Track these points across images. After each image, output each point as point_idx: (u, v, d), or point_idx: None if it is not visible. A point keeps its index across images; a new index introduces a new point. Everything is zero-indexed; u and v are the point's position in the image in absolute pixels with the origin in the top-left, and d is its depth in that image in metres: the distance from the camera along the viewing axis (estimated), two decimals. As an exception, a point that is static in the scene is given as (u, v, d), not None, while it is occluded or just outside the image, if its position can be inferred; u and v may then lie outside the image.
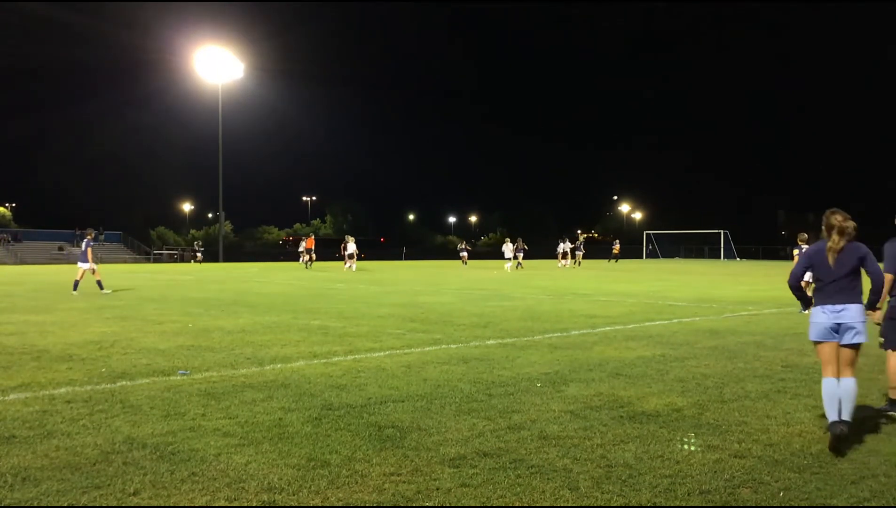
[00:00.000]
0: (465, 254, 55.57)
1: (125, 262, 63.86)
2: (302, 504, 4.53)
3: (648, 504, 4.54)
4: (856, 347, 5.89)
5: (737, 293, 23.21)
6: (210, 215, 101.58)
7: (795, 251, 17.66)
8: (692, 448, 5.72)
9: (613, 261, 59.24)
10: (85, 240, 23.75)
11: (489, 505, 4.53)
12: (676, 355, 10.30)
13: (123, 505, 4.50)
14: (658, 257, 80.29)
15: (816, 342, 6.02)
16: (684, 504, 4.55)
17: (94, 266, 23.11)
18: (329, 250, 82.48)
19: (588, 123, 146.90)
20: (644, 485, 4.86)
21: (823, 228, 6.04)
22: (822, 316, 5.93)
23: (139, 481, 4.90)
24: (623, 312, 16.70)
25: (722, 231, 78.10)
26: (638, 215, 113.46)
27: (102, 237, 75.93)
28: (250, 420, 6.52)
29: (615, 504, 4.53)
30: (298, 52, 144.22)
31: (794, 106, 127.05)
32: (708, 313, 16.55)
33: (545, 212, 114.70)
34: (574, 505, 4.53)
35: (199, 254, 63.51)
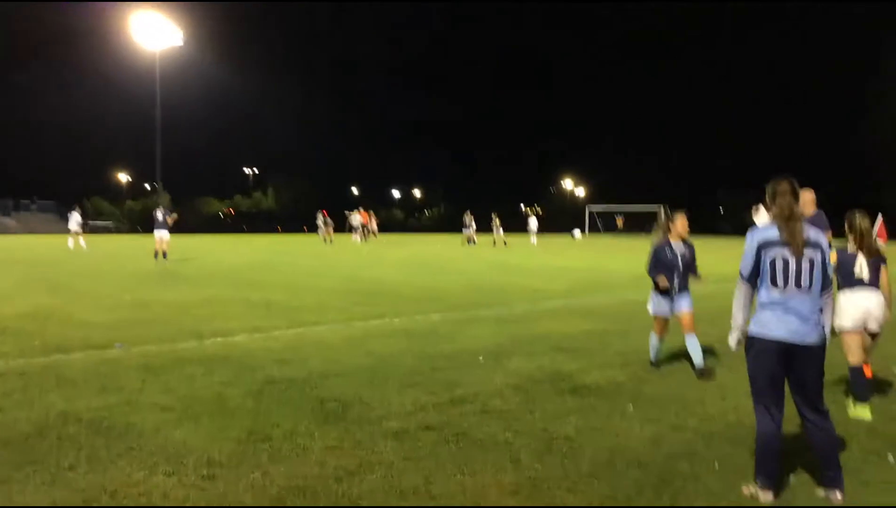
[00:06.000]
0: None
1: (60, 233, 62.18)
2: (242, 479, 4.49)
3: (588, 477, 4.60)
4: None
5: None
6: (147, 186, 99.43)
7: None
8: (631, 421, 5.82)
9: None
10: (161, 210, 24.71)
11: (431, 478, 4.54)
12: (617, 329, 10.47)
13: (59, 480, 4.40)
14: (599, 232, 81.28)
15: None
16: (622, 477, 4.63)
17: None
18: (269, 224, 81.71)
19: (533, 100, 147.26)
20: (584, 458, 4.93)
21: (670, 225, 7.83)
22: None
23: (74, 456, 4.80)
24: (566, 286, 16.88)
25: (662, 207, 79.28)
26: (581, 191, 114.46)
27: (35, 207, 73.87)
28: (189, 395, 6.43)
29: (555, 477, 4.59)
30: (239, 19, 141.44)
31: (736, 82, 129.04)
32: (649, 288, 16.77)
33: (489, 187, 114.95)
34: (515, 478, 4.57)
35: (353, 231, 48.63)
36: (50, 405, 6.05)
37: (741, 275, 4.39)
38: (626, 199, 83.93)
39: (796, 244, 4.19)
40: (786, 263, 4.20)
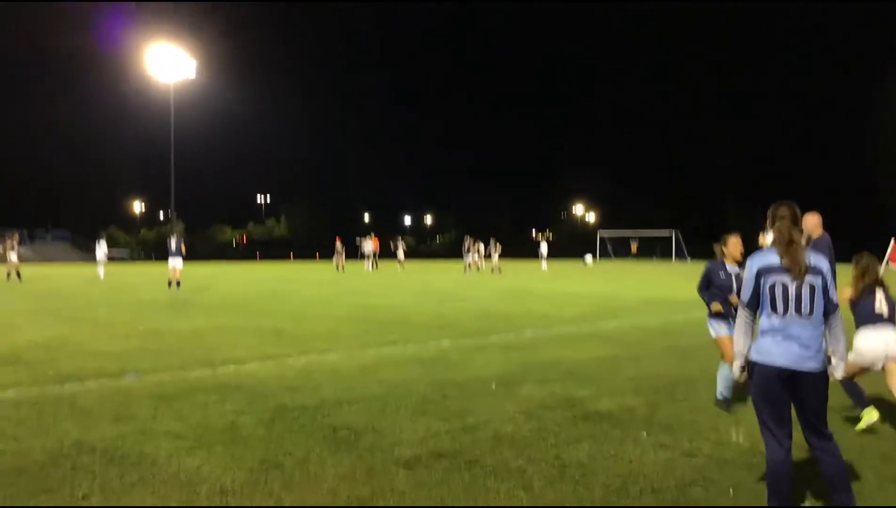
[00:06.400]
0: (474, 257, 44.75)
1: (72, 262, 62.54)
2: (255, 507, 4.49)
3: (601, 503, 4.59)
4: None
5: (688, 294, 23.50)
6: (162, 215, 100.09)
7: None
8: (644, 447, 5.79)
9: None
10: (174, 239, 24.82)
11: (444, 506, 4.54)
12: (629, 355, 10.43)
13: (72, 511, 4.42)
14: (611, 258, 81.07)
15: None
16: (636, 503, 4.61)
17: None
18: (282, 250, 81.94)
19: (541, 123, 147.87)
20: (597, 484, 4.91)
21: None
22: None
23: (88, 485, 4.82)
24: (577, 312, 16.85)
25: (673, 232, 79.11)
26: (592, 217, 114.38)
27: (49, 237, 74.36)
28: (202, 423, 6.44)
29: (568, 504, 4.58)
30: (251, 50, 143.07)
31: (741, 104, 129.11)
32: (660, 313, 16.77)
33: (499, 213, 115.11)
34: (528, 505, 4.56)
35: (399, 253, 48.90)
36: (64, 434, 6.08)
37: (741, 302, 4.39)
38: (636, 224, 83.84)
39: (797, 270, 4.17)
40: (785, 288, 4.19)
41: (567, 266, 53.94)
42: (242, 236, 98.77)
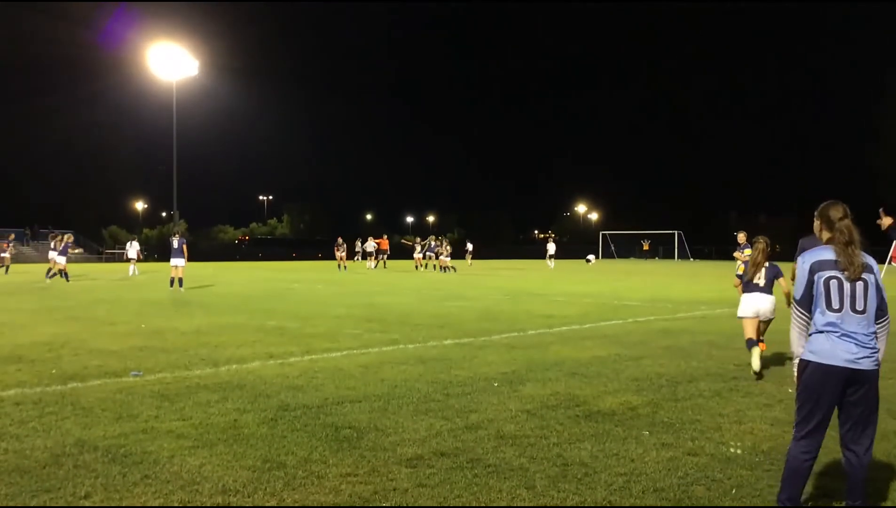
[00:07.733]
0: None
1: (75, 261, 62.51)
2: (257, 506, 4.49)
3: (604, 503, 4.58)
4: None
5: (690, 293, 23.53)
6: (164, 214, 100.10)
7: (737, 253, 16.63)
8: (646, 446, 5.78)
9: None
10: (177, 238, 25.07)
11: (446, 505, 4.53)
12: (631, 354, 10.41)
13: (74, 509, 4.42)
14: (614, 258, 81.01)
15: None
16: (639, 503, 4.60)
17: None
18: (284, 250, 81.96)
19: (543, 124, 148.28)
20: (599, 483, 4.90)
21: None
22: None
23: (90, 484, 4.81)
24: (579, 312, 16.83)
25: (676, 232, 79.08)
26: (594, 216, 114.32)
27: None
28: (204, 422, 6.44)
29: (571, 503, 4.57)
30: (254, 49, 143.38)
31: (747, 109, 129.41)
32: (662, 312, 16.75)
33: (501, 212, 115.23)
34: (530, 504, 4.55)
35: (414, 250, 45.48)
36: (66, 433, 6.07)
37: (795, 300, 4.28)
38: (639, 224, 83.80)
39: (853, 270, 4.08)
40: (841, 284, 4.08)
41: (569, 266, 53.86)
42: (244, 235, 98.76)
